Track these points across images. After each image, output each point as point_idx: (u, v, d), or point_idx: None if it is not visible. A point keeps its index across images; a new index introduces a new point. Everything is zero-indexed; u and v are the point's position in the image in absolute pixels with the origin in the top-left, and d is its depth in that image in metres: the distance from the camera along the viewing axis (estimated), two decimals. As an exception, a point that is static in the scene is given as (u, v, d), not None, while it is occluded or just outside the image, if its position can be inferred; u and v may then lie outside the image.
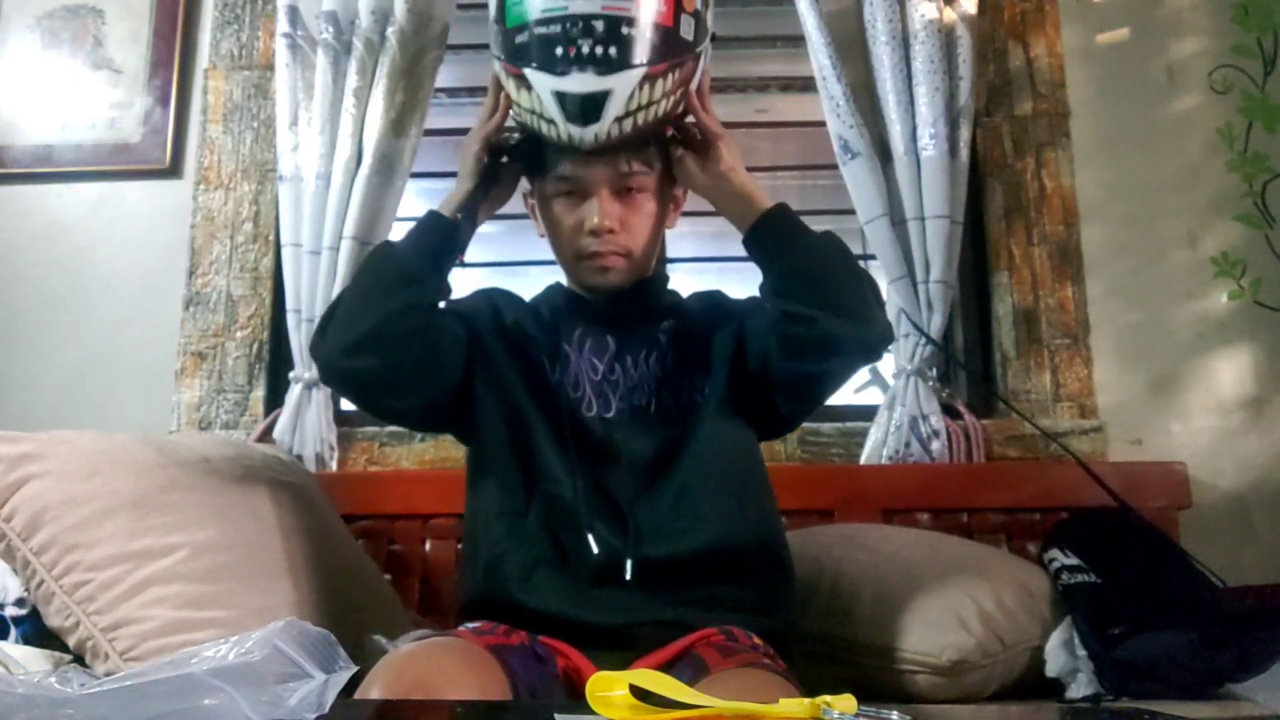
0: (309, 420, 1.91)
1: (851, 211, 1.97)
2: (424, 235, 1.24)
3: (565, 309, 1.29)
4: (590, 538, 1.14)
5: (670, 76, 1.14)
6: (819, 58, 1.97)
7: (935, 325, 1.90)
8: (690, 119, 1.24)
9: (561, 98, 1.13)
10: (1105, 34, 2.10)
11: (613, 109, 1.12)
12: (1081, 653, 1.39)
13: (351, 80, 1.98)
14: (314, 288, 1.94)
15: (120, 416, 1.96)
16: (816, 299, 1.15)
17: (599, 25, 1.10)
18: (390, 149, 1.97)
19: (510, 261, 2.07)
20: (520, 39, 1.15)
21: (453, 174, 2.19)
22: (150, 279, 2.07)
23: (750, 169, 2.18)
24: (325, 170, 1.97)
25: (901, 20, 1.96)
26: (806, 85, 2.05)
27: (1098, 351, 1.98)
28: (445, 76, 2.10)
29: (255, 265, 2.06)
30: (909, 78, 1.96)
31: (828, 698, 0.70)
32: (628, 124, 1.14)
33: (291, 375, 1.95)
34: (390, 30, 1.98)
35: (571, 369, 1.24)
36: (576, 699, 0.70)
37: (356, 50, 1.98)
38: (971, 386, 2.02)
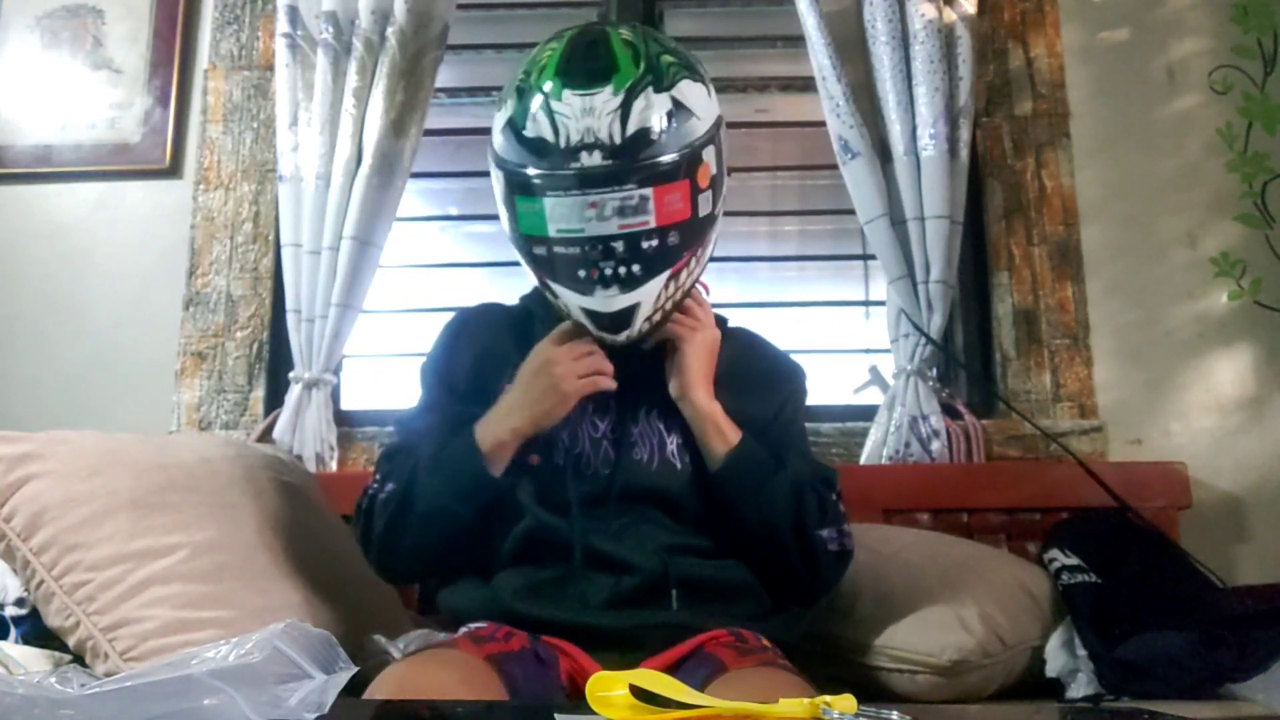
0: (309, 420, 1.91)
1: (851, 211, 1.97)
2: (468, 485, 1.16)
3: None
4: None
5: (694, 260, 1.16)
6: (819, 58, 1.97)
7: (935, 325, 1.90)
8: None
9: (590, 314, 1.13)
10: (1105, 33, 2.10)
11: (642, 314, 1.14)
12: (1082, 653, 1.39)
13: (351, 80, 1.98)
14: (314, 288, 1.94)
15: (120, 416, 1.96)
16: (765, 561, 1.20)
17: (619, 246, 1.08)
18: (390, 149, 1.97)
19: (508, 262, 2.06)
20: (538, 250, 1.13)
21: (453, 174, 2.22)
22: (150, 279, 2.07)
23: (750, 169, 2.19)
24: (325, 170, 1.97)
25: (901, 20, 1.96)
26: (806, 85, 2.05)
27: (1098, 351, 1.98)
28: (445, 76, 2.10)
29: (255, 265, 2.06)
30: (909, 78, 1.96)
31: (828, 698, 0.70)
32: (657, 317, 1.16)
33: (291, 375, 1.95)
34: (390, 30, 1.98)
35: (570, 424, 1.20)
36: (581, 700, 0.70)
37: (356, 50, 1.98)
38: (971, 386, 2.02)
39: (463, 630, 1.14)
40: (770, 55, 2.21)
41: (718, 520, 1.20)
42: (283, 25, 2.02)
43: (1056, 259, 2.01)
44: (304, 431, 1.91)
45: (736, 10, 2.27)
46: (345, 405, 2.05)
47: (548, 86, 1.09)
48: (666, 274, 1.13)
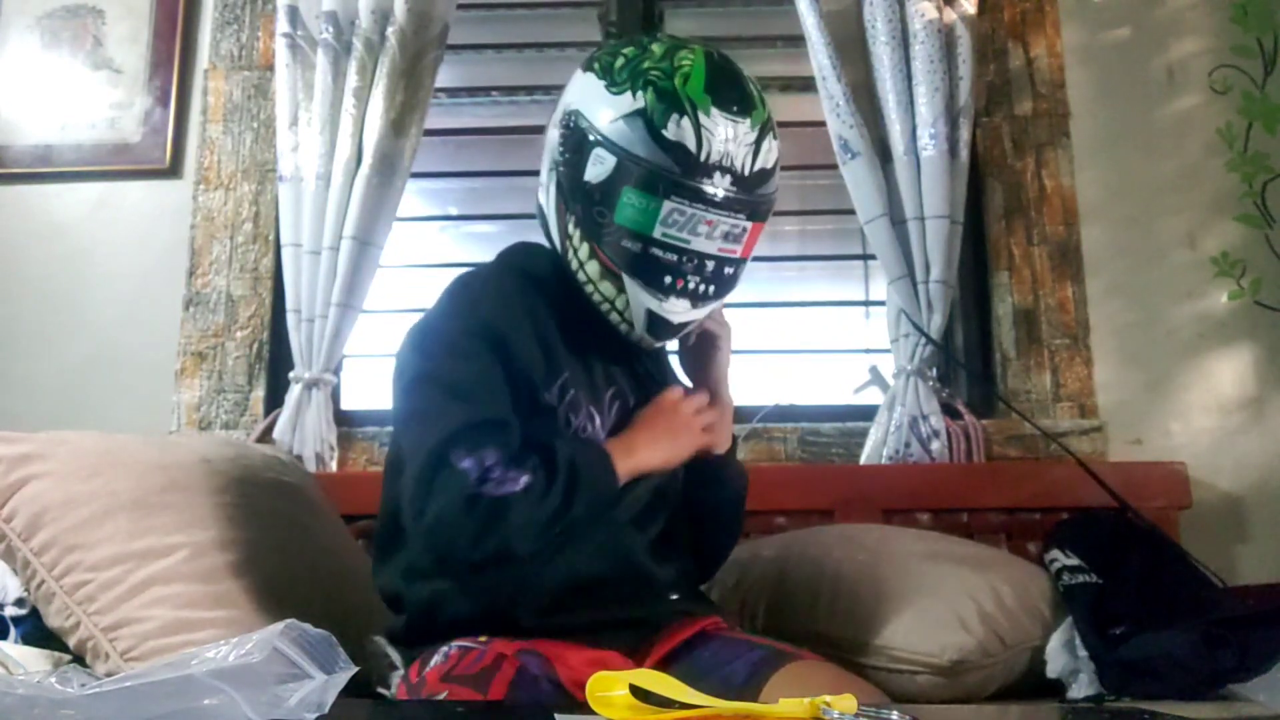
0: (309, 420, 1.91)
1: (851, 211, 1.97)
2: (604, 507, 1.14)
3: (570, 344, 1.20)
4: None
5: None
6: (819, 58, 1.97)
7: (935, 325, 1.90)
8: None
9: (652, 317, 1.14)
10: (1105, 33, 2.10)
11: (687, 329, 1.18)
12: (1082, 653, 1.39)
13: (351, 80, 1.98)
14: (314, 288, 1.94)
15: (120, 416, 1.96)
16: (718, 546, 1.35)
17: (710, 265, 1.12)
18: (390, 149, 1.97)
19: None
20: (629, 244, 1.11)
21: (453, 174, 2.22)
22: (150, 279, 2.07)
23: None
24: (325, 170, 1.97)
25: (901, 20, 1.96)
26: (806, 85, 2.04)
27: (1098, 351, 1.98)
28: (445, 76, 2.10)
29: (255, 265, 2.06)
30: (909, 78, 1.96)
31: (828, 698, 0.71)
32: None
33: (291, 375, 1.95)
34: (390, 30, 1.98)
35: (610, 421, 1.21)
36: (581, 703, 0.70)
37: (356, 50, 1.98)
38: (971, 386, 2.02)
39: (442, 655, 1.10)
40: (770, 55, 2.20)
41: (682, 506, 1.29)
42: (283, 25, 2.02)
43: (1056, 259, 2.01)
44: (304, 431, 1.91)
45: (736, 10, 2.27)
46: (345, 405, 2.04)
47: (698, 98, 1.10)
48: (722, 301, 1.19)
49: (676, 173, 1.08)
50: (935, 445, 1.87)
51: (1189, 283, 2.00)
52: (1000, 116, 2.07)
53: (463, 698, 1.01)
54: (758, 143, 1.11)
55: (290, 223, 1.98)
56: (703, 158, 1.08)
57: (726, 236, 1.11)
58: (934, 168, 1.92)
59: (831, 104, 1.97)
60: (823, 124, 1.99)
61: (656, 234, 1.09)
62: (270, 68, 2.10)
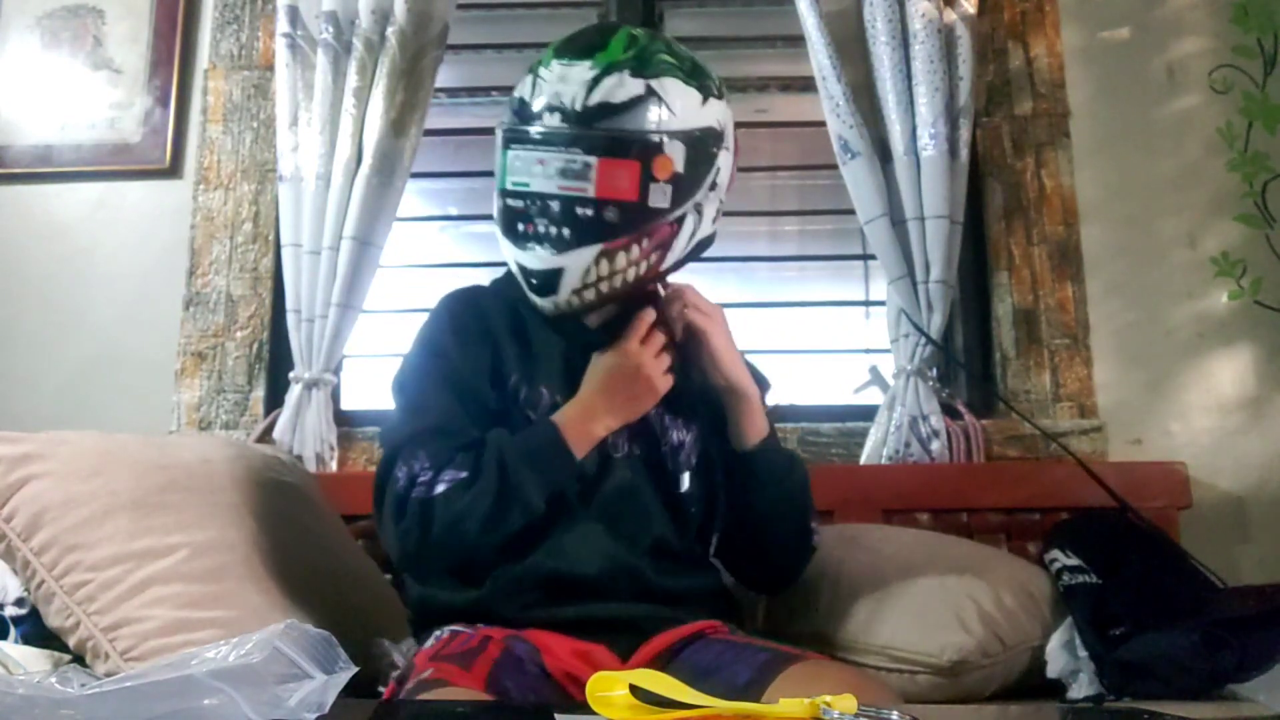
0: (309, 420, 1.91)
1: (851, 211, 1.97)
2: (559, 481, 1.15)
3: (546, 349, 1.23)
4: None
5: (635, 247, 1.15)
6: (819, 58, 1.97)
7: (935, 325, 1.90)
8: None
9: (522, 270, 1.18)
10: (1105, 33, 2.10)
11: (569, 282, 1.15)
12: (1083, 653, 1.39)
13: (351, 80, 1.98)
14: (314, 288, 1.94)
15: (120, 416, 1.96)
16: (770, 559, 1.30)
17: (555, 205, 1.12)
18: (390, 149, 1.97)
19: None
20: (498, 204, 1.19)
21: (453, 174, 2.22)
22: (150, 279, 2.07)
23: (750, 169, 2.19)
24: (325, 170, 1.97)
25: (901, 20, 1.96)
26: (806, 85, 2.05)
27: (1097, 351, 1.98)
28: (445, 76, 2.10)
29: (255, 265, 2.06)
30: (909, 78, 1.96)
31: (828, 698, 0.71)
32: (588, 294, 1.16)
33: (291, 375, 1.95)
34: (390, 30, 1.98)
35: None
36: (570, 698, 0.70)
37: (356, 50, 1.98)
38: (971, 386, 2.02)
39: (436, 640, 1.12)
40: (770, 55, 2.21)
41: (695, 512, 1.25)
42: (283, 25, 2.02)
43: (1056, 259, 2.01)
44: (304, 431, 1.91)
45: (736, 10, 2.27)
46: (345, 405, 2.04)
47: (545, 57, 1.17)
48: (597, 248, 1.13)
49: (514, 123, 1.15)
50: (935, 445, 1.87)
51: (1189, 283, 2.00)
52: (1000, 116, 2.07)
53: (446, 675, 1.01)
54: (596, 80, 1.12)
55: (290, 223, 1.98)
56: (535, 105, 1.14)
57: (564, 173, 1.11)
58: (934, 168, 1.92)
59: (831, 104, 1.97)
60: (823, 124, 1.99)
61: (507, 185, 1.15)
62: (270, 68, 2.10)
